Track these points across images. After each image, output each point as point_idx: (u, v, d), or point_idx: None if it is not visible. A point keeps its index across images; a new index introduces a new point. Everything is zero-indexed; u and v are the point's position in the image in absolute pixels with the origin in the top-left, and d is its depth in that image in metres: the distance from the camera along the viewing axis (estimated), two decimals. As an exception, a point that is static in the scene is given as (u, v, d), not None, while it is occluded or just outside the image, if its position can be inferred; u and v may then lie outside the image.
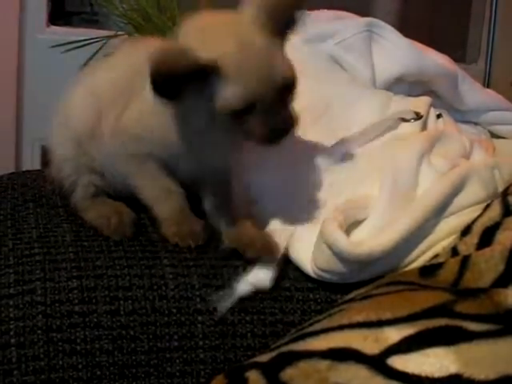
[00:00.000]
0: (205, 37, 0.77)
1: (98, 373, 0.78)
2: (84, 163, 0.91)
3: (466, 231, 0.85)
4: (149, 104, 0.81)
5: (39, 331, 0.77)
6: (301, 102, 0.98)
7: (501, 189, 0.91)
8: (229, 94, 0.76)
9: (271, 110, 0.77)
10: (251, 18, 0.78)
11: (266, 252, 0.84)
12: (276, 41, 0.78)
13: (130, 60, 0.89)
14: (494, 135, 1.19)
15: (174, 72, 0.74)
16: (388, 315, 0.71)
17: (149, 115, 0.83)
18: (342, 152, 0.93)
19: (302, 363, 0.69)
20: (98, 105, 0.88)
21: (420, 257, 0.85)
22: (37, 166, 1.92)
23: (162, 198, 0.87)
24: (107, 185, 0.93)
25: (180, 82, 0.74)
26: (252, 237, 0.85)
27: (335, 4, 1.23)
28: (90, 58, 1.39)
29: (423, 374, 0.65)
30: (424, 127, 0.99)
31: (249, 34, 0.77)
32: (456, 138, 0.98)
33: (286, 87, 0.78)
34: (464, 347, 0.66)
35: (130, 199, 0.91)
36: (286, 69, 0.78)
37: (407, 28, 1.18)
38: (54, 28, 2.02)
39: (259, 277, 0.83)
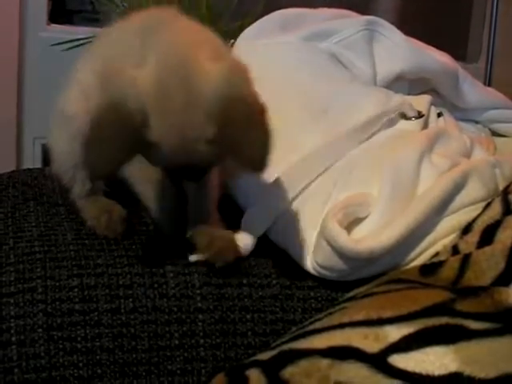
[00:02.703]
0: None
1: (99, 371, 0.78)
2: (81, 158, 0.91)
3: (466, 229, 0.85)
4: None
5: (40, 329, 0.77)
6: (301, 100, 0.99)
7: (501, 187, 0.91)
8: None
9: None
10: None
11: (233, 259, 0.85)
12: None
13: (103, 45, 0.91)
14: (494, 133, 1.19)
15: None
16: (388, 313, 0.71)
17: None
18: (342, 149, 0.93)
19: (302, 361, 0.69)
20: (87, 96, 0.89)
21: (421, 255, 0.85)
22: (38, 164, 1.92)
23: (156, 195, 0.87)
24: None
25: None
26: (222, 246, 0.85)
27: (335, 2, 1.23)
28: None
29: (424, 373, 0.65)
30: (425, 126, 0.99)
31: None
32: (457, 136, 0.98)
33: None
34: (464, 345, 0.66)
35: (128, 197, 0.91)
36: None
37: (407, 26, 1.18)
38: (54, 26, 2.02)
39: None
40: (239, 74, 0.76)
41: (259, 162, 0.73)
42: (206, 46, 0.78)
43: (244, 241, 0.87)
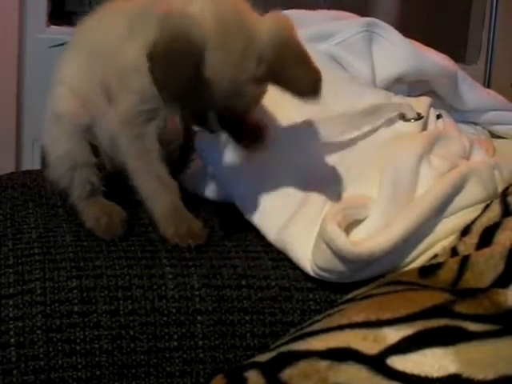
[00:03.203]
0: None
1: (98, 373, 0.78)
2: (79, 157, 0.91)
3: (465, 231, 0.85)
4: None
5: (39, 331, 0.77)
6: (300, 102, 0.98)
7: (500, 189, 0.91)
8: None
9: None
10: None
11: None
12: None
13: (85, 39, 0.92)
14: (493, 135, 1.19)
15: None
16: (387, 315, 0.71)
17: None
18: (341, 149, 0.93)
19: (301, 363, 0.69)
20: (75, 90, 0.90)
21: (420, 257, 0.85)
22: (37, 166, 1.92)
23: (158, 190, 0.87)
24: (103, 180, 0.93)
25: None
26: None
27: (335, 4, 1.23)
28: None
29: (423, 374, 0.65)
30: (424, 127, 0.99)
31: None
32: (456, 138, 0.98)
33: None
34: (463, 347, 0.66)
35: (128, 198, 0.91)
36: None
37: (407, 28, 1.18)
38: (53, 28, 2.02)
39: None
40: (287, 21, 0.82)
41: (314, 89, 0.78)
42: None
43: None
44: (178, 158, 1.01)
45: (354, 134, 0.95)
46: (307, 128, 0.94)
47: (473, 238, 0.82)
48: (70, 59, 0.93)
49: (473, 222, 0.85)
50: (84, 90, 0.90)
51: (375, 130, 0.96)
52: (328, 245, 0.81)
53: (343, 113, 0.96)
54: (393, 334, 0.69)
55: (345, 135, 0.94)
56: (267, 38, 0.79)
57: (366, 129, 0.95)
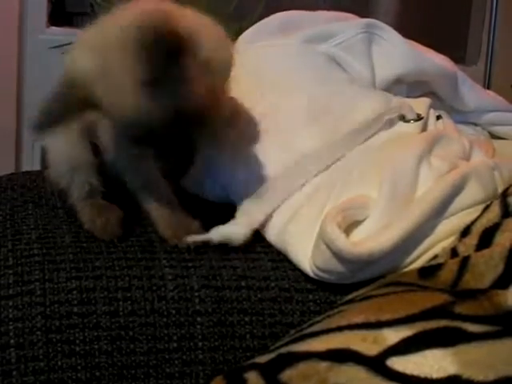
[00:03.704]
0: None
1: (97, 374, 0.78)
2: (79, 158, 0.91)
3: (465, 232, 0.85)
4: None
5: (38, 332, 0.77)
6: (299, 101, 0.99)
7: (500, 190, 0.91)
8: None
9: None
10: None
11: None
12: None
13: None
14: (493, 136, 1.19)
15: None
16: (387, 316, 0.71)
17: None
18: (339, 151, 0.93)
19: (301, 364, 0.69)
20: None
21: (420, 257, 0.85)
22: (36, 166, 1.92)
23: (151, 190, 0.88)
24: (102, 181, 0.93)
25: None
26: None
27: (334, 5, 1.23)
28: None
29: (422, 375, 0.65)
30: (424, 128, 0.99)
31: None
32: (456, 139, 0.98)
33: None
34: (463, 348, 0.66)
35: (127, 199, 0.91)
36: None
37: (406, 29, 1.18)
38: (54, 29, 2.03)
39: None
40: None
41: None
42: None
43: (237, 230, 0.88)
44: (177, 160, 1.01)
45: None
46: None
47: (473, 239, 0.82)
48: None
49: (473, 222, 0.85)
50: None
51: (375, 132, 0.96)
52: (328, 246, 0.81)
53: (344, 134, 0.95)
54: (392, 335, 0.69)
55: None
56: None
57: (365, 137, 0.95)
